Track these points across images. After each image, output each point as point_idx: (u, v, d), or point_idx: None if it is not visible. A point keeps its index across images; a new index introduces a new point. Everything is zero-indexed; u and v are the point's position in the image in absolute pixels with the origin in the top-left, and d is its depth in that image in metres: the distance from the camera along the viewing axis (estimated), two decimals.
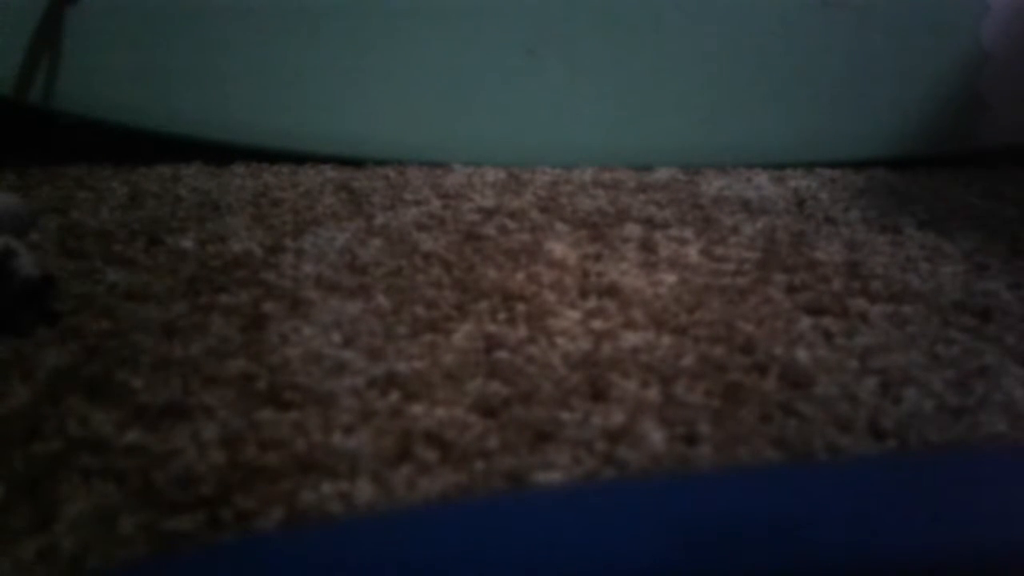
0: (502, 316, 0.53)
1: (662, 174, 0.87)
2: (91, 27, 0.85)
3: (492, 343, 0.50)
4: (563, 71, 0.91)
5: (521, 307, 0.55)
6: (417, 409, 0.43)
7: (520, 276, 0.59)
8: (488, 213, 0.72)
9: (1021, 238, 0.70)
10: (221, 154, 0.86)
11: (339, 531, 0.34)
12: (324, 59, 0.89)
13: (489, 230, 0.68)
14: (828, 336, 0.52)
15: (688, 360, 0.48)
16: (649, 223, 0.71)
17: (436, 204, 0.75)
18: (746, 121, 0.94)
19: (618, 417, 0.43)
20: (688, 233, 0.69)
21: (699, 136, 0.93)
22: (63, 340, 0.50)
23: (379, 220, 0.71)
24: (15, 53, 0.84)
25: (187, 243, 0.65)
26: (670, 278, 0.59)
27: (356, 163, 0.87)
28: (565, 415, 0.43)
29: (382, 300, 0.55)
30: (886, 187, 0.85)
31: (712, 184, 0.84)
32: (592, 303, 0.55)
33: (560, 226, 0.70)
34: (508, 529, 0.32)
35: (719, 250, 0.65)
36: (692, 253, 0.64)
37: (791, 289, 0.58)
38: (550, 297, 0.56)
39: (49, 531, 0.35)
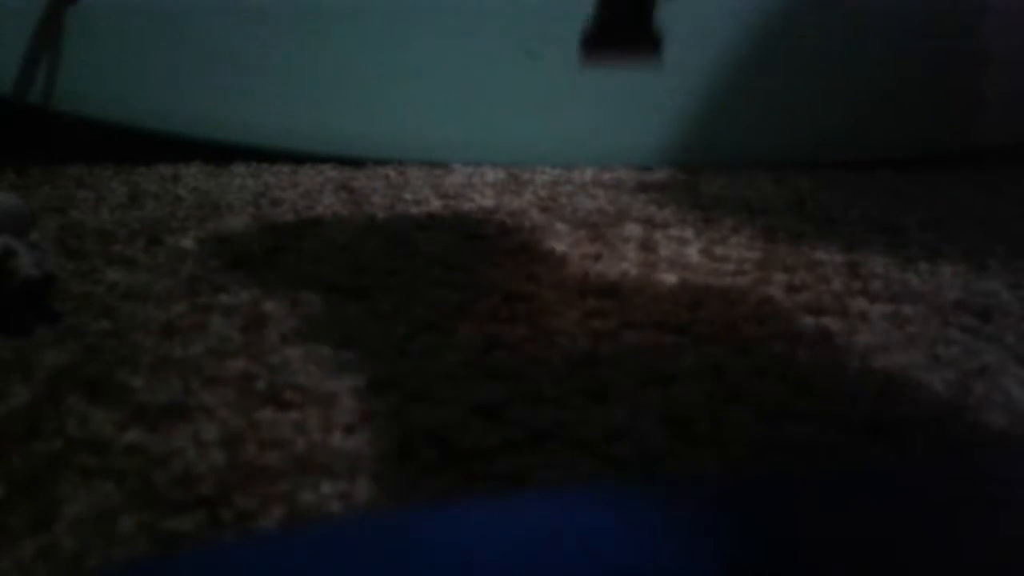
0: (502, 316, 0.53)
1: (662, 174, 0.87)
2: (91, 27, 0.86)
3: (492, 343, 0.50)
4: (563, 71, 0.91)
5: (521, 307, 0.55)
6: (417, 409, 0.43)
7: (520, 276, 0.59)
8: (488, 213, 0.72)
9: (1021, 238, 0.70)
10: (221, 154, 0.86)
11: (339, 531, 0.34)
12: (324, 59, 0.89)
13: (489, 230, 0.68)
14: (828, 336, 0.52)
15: (688, 360, 0.48)
16: (649, 223, 0.71)
17: (436, 204, 0.75)
18: (746, 121, 0.94)
19: (618, 417, 0.43)
20: (688, 233, 0.68)
21: (699, 136, 0.93)
22: (63, 340, 0.50)
23: (379, 220, 0.71)
24: (15, 53, 0.84)
25: (187, 243, 0.65)
26: (670, 278, 0.59)
27: (356, 163, 0.87)
28: (565, 415, 0.43)
29: (382, 300, 0.55)
30: (886, 187, 0.85)
31: (712, 184, 0.84)
32: (592, 303, 0.55)
33: (560, 226, 0.70)
34: (498, 530, 0.32)
35: (719, 250, 0.65)
36: (692, 253, 0.64)
37: (791, 289, 0.58)
38: (550, 297, 0.56)
39: (49, 531, 0.35)
